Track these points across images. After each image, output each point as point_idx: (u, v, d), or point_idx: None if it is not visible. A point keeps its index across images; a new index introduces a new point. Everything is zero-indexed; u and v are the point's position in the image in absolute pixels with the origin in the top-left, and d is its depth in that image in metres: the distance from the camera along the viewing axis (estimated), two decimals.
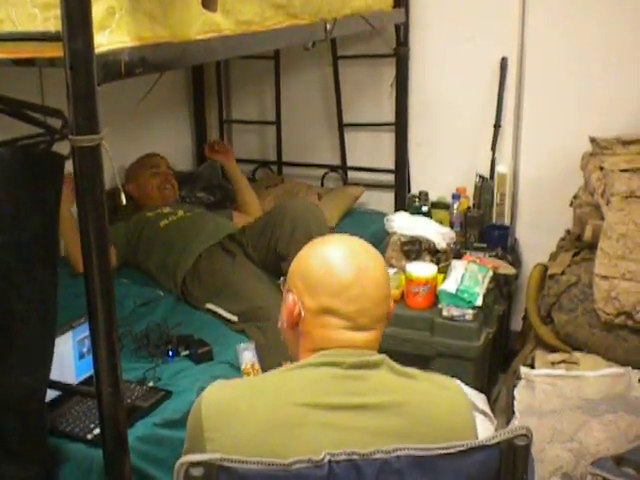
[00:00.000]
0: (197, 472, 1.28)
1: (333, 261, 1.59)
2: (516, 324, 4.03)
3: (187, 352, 2.72)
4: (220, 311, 3.04)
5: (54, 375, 2.00)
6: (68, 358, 2.36)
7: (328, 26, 2.97)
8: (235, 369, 2.69)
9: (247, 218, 3.80)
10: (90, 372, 2.00)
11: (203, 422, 1.46)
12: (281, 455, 1.37)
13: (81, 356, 2.40)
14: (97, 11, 1.64)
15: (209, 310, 3.08)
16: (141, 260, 3.45)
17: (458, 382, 1.66)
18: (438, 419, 1.52)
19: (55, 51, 1.61)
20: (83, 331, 2.35)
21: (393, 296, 1.68)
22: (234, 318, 3.00)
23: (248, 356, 2.72)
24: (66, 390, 2.32)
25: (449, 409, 1.55)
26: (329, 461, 1.34)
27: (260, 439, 1.42)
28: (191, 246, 3.32)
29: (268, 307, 2.92)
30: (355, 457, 1.36)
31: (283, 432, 1.43)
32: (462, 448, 1.39)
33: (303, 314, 1.60)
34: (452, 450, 1.40)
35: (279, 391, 1.50)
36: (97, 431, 2.15)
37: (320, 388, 1.49)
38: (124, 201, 1.78)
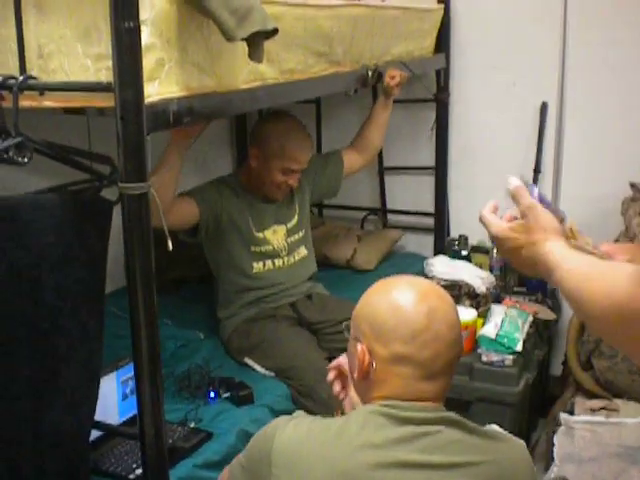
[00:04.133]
0: None
1: (403, 305, 1.55)
2: (556, 369, 4.00)
3: (228, 394, 2.73)
4: (257, 367, 3.02)
5: (97, 415, 2.02)
6: (112, 398, 2.39)
7: (370, 73, 3.01)
8: (274, 413, 2.68)
9: (356, 158, 3.70)
10: (133, 412, 2.02)
11: (272, 456, 1.49)
12: None
13: (124, 397, 2.43)
14: (147, 62, 1.69)
15: (246, 364, 3.07)
16: (211, 259, 3.32)
17: (523, 444, 1.64)
18: None
19: (105, 101, 1.66)
20: (127, 372, 2.38)
21: None
22: (271, 374, 2.98)
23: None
24: (109, 431, 2.35)
25: (514, 473, 1.53)
26: None
27: None
28: (262, 305, 3.26)
29: (301, 368, 2.89)
30: None
31: None
32: None
33: (374, 364, 1.56)
34: None
35: (348, 442, 1.47)
36: (139, 471, 2.18)
37: (390, 444, 1.46)
38: (170, 247, 1.82)
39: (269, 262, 3.28)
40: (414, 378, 1.52)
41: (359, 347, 1.59)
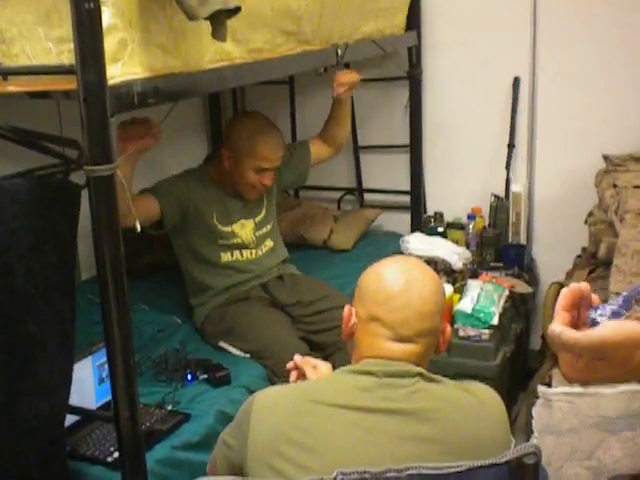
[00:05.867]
0: None
1: (385, 274, 1.72)
2: (535, 343, 4.03)
3: (205, 376, 2.74)
4: (232, 349, 3.03)
5: (74, 400, 2.03)
6: (88, 383, 2.40)
7: (339, 51, 3.01)
8: (251, 394, 2.68)
9: (324, 148, 3.68)
10: (110, 396, 2.02)
11: (252, 414, 1.62)
12: (309, 444, 1.54)
13: (101, 381, 2.43)
14: (109, 44, 1.68)
15: (221, 348, 3.07)
16: (179, 249, 3.30)
17: (495, 394, 1.72)
18: (467, 429, 1.59)
19: (69, 83, 1.65)
20: (102, 356, 2.36)
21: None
22: (246, 356, 2.98)
23: None
24: (84, 415, 2.36)
25: (480, 420, 1.62)
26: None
27: (293, 424, 1.57)
28: (234, 290, 3.26)
29: (276, 347, 2.90)
30: (367, 476, 1.38)
31: (313, 423, 1.57)
32: (471, 466, 1.41)
33: (356, 323, 1.72)
34: (462, 468, 1.41)
35: (317, 393, 1.63)
36: (117, 454, 2.18)
37: (353, 393, 1.60)
38: (138, 229, 1.82)
39: (237, 253, 3.28)
40: (384, 337, 1.66)
41: (347, 308, 1.76)
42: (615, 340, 1.14)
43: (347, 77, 3.37)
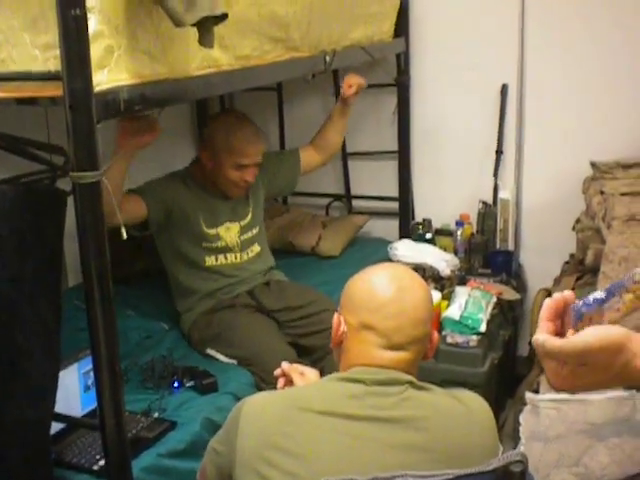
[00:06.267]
0: None
1: (375, 281, 1.71)
2: (523, 349, 4.04)
3: (192, 383, 2.73)
4: (219, 356, 3.02)
5: (60, 407, 2.02)
6: (74, 390, 2.38)
7: (327, 58, 3.01)
8: (238, 401, 2.68)
9: (315, 156, 3.70)
10: (95, 404, 2.02)
11: (240, 419, 1.62)
12: (296, 451, 1.54)
13: (86, 388, 2.41)
14: (96, 50, 1.68)
15: (209, 355, 3.05)
16: (164, 250, 3.28)
17: (484, 402, 1.72)
18: (456, 437, 1.59)
19: (56, 90, 1.65)
20: (88, 363, 2.35)
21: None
22: (233, 362, 2.97)
23: None
24: (70, 422, 2.34)
25: (468, 428, 1.62)
26: None
27: (280, 430, 1.57)
28: (219, 296, 3.25)
29: (263, 354, 2.90)
30: None
31: (301, 430, 1.56)
32: (458, 474, 1.41)
33: (346, 331, 1.71)
34: (449, 477, 1.41)
35: (305, 400, 1.62)
36: (103, 462, 2.17)
37: (341, 400, 1.59)
38: (124, 235, 1.81)
39: (221, 257, 3.27)
40: (377, 345, 1.65)
41: (336, 316, 1.75)
42: (600, 345, 1.16)
43: (356, 79, 3.44)
